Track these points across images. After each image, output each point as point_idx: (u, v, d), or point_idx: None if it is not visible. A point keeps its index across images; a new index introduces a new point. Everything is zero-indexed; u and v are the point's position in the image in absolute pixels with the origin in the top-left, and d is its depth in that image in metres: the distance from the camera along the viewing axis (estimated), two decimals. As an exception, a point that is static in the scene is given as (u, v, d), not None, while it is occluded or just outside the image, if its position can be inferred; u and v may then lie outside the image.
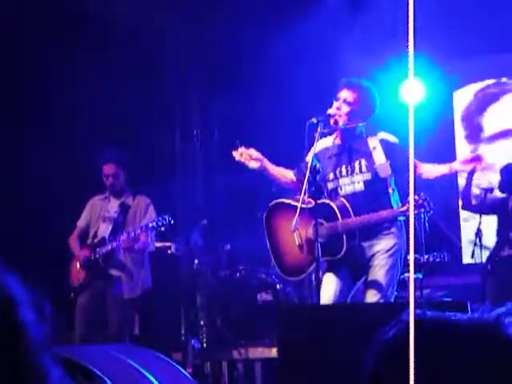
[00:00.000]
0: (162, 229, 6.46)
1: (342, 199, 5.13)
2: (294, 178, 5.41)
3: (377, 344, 1.28)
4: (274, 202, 5.47)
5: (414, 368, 1.19)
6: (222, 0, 8.23)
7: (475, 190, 7.43)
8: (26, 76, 8.10)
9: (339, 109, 5.17)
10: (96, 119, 7.90)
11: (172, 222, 6.35)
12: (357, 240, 5.05)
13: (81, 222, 6.80)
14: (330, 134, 5.33)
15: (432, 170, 5.24)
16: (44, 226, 7.65)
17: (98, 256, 6.49)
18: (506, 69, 8.75)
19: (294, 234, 5.14)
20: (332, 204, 5.09)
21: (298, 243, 5.21)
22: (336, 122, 5.17)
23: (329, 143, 5.35)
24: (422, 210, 4.76)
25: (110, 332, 6.51)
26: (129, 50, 7.92)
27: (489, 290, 7.04)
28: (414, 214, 4.77)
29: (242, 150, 5.28)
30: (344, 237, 5.02)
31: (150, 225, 6.39)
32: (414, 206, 4.73)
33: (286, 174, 5.45)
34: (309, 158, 5.10)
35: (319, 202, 5.00)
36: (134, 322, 7.08)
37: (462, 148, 8.86)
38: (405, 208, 4.93)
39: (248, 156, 5.26)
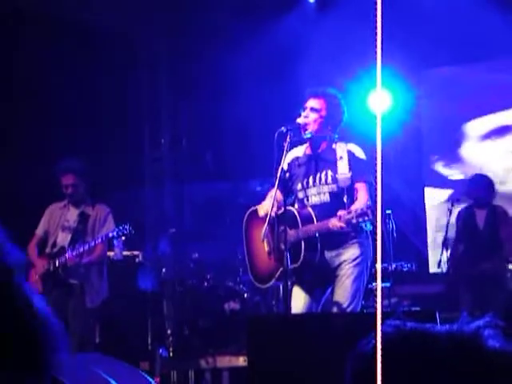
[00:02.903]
0: (123, 238, 6.41)
1: (309, 208, 5.15)
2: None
3: (357, 356, 1.29)
4: (250, 210, 5.46)
5: (396, 380, 1.20)
6: (194, 12, 8.23)
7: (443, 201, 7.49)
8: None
9: (307, 117, 5.16)
10: (66, 126, 7.83)
11: (133, 231, 6.30)
12: (318, 248, 5.04)
13: (39, 230, 6.71)
14: (301, 143, 5.32)
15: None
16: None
17: (57, 265, 6.41)
18: (469, 80, 8.85)
19: (264, 241, 5.17)
20: (295, 211, 5.10)
21: (267, 250, 5.24)
22: (306, 131, 5.17)
23: (300, 153, 5.34)
24: (366, 218, 4.73)
25: (73, 342, 6.44)
26: (100, 60, 7.87)
27: (461, 302, 7.10)
28: (356, 222, 4.76)
29: None
30: (302, 244, 5.03)
31: (110, 234, 6.34)
32: (358, 214, 4.71)
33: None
34: (284, 166, 5.12)
35: (287, 209, 5.00)
36: (95, 331, 7.02)
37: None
38: (351, 215, 4.83)
39: None
